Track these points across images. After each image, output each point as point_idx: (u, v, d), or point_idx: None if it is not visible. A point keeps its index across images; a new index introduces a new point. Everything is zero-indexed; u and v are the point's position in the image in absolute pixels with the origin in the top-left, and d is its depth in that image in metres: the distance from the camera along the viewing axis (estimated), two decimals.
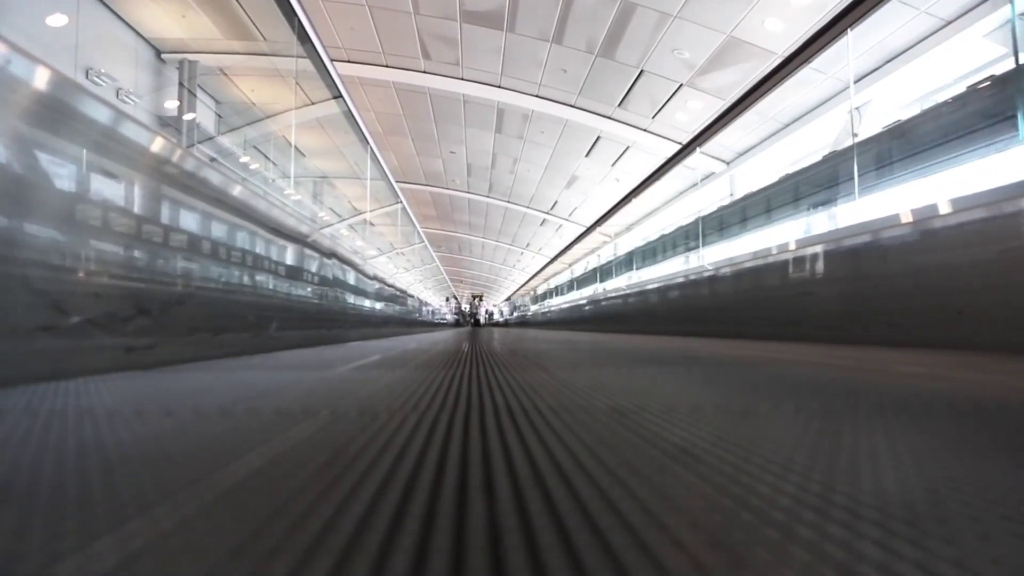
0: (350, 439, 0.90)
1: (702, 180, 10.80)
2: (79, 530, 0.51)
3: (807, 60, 5.83)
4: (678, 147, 9.15)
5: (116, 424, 1.00)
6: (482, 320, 36.47)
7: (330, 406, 1.26)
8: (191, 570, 0.44)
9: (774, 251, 4.55)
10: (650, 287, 8.57)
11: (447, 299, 35.63)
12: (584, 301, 13.44)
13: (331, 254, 5.03)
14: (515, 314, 30.23)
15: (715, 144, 8.80)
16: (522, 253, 22.12)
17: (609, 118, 9.45)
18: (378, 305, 7.74)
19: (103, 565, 0.44)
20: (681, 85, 7.90)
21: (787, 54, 5.98)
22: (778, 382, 1.76)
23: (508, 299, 35.14)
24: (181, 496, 0.60)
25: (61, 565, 0.44)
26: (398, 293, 10.45)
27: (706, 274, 6.52)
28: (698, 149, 8.66)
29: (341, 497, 0.60)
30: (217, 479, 0.68)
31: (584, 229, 14.66)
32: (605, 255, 14.97)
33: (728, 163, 9.53)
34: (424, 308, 18.26)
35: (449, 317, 30.72)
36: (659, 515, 0.54)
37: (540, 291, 22.70)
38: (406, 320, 10.84)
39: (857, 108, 7.25)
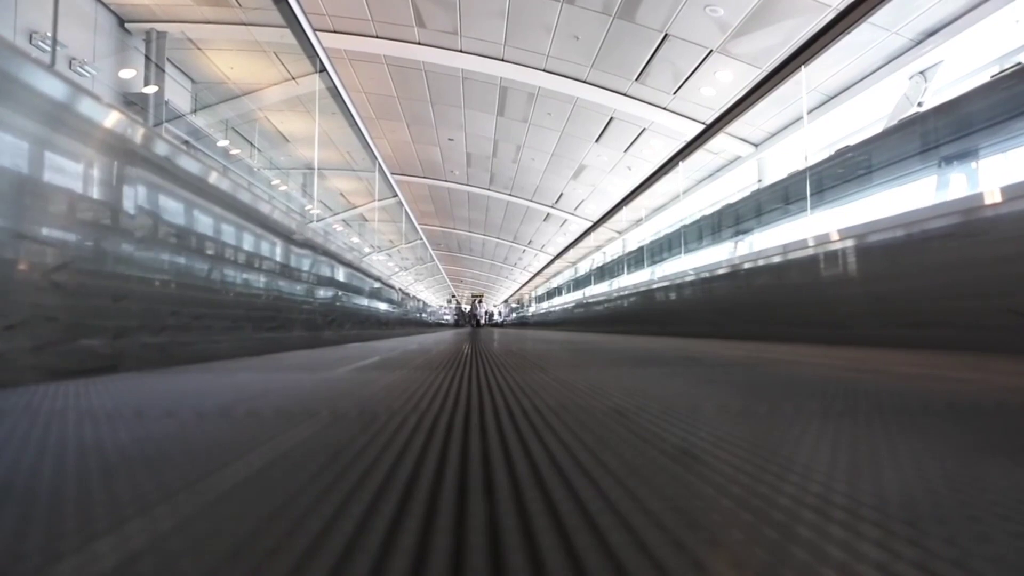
0: (350, 439, 0.90)
1: (728, 165, 9.65)
2: (79, 530, 0.52)
3: (870, 11, 4.58)
4: (702, 127, 8.01)
5: (116, 425, 1.01)
6: (482, 321, 35.71)
7: (330, 407, 1.27)
8: (191, 570, 0.44)
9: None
10: (658, 286, 7.97)
11: (448, 300, 34.92)
12: (588, 301, 13.07)
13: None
14: (515, 315, 29.46)
15: (743, 123, 7.71)
16: (524, 251, 21.14)
17: (624, 95, 8.39)
18: (330, 293, 5.23)
19: (103, 565, 0.45)
20: (711, 51, 6.83)
21: (844, 5, 4.82)
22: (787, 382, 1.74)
23: (509, 299, 34.26)
24: (181, 497, 0.61)
25: (61, 565, 0.45)
26: (379, 284, 8.30)
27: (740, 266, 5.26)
28: (724, 129, 7.48)
29: (341, 497, 0.61)
30: (217, 480, 0.68)
31: (591, 224, 13.59)
32: (612, 252, 14.02)
33: (757, 145, 8.40)
34: (426, 308, 17.11)
35: (449, 318, 30.33)
36: (659, 515, 0.55)
37: (542, 291, 21.84)
38: (390, 321, 8.96)
39: (922, 72, 6.05)
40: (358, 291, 6.45)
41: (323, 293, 4.84)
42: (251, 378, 1.96)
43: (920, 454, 0.80)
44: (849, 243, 3.75)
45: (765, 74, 6.61)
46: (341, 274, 5.54)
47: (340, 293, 5.47)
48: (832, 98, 7.26)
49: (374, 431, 0.97)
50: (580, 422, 1.05)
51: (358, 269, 6.60)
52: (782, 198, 5.95)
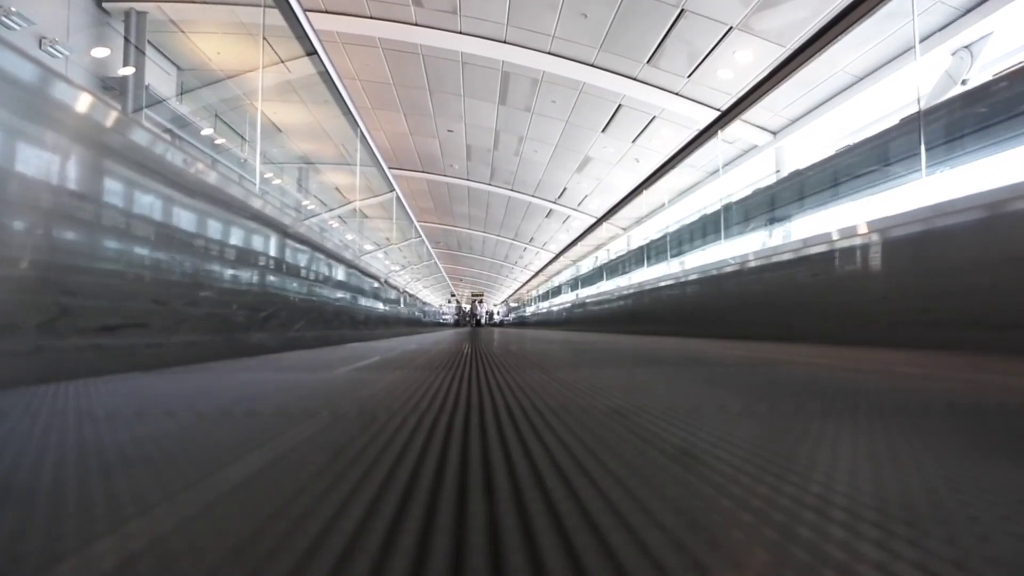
0: (350, 440, 0.91)
1: (740, 157, 9.06)
2: (79, 531, 0.52)
3: None
4: (717, 114, 7.42)
5: (116, 425, 1.02)
6: (482, 320, 35.50)
7: (330, 407, 1.29)
8: (191, 571, 0.45)
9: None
10: (665, 284, 7.52)
11: (448, 299, 34.76)
12: (590, 300, 12.77)
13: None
14: (516, 314, 29.14)
15: (762, 109, 7.13)
16: (525, 249, 20.63)
17: (634, 79, 7.85)
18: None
19: (103, 566, 0.45)
20: (731, 28, 6.26)
21: None
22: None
23: (509, 298, 33.86)
24: (181, 497, 0.62)
25: (61, 566, 0.45)
26: (361, 274, 6.71)
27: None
28: (741, 116, 6.89)
29: (341, 498, 0.61)
30: (217, 480, 0.69)
31: (595, 220, 13.03)
32: (615, 250, 13.51)
33: (775, 134, 7.81)
34: (424, 307, 16.44)
35: (449, 317, 30.00)
36: (658, 515, 0.55)
37: (543, 290, 21.30)
38: (371, 320, 7.22)
39: (967, 46, 5.45)
40: (319, 280, 4.75)
41: (249, 276, 3.28)
42: (251, 378, 1.98)
43: (920, 454, 0.81)
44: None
45: (790, 52, 6.01)
46: (285, 251, 3.88)
47: (284, 279, 3.87)
48: (860, 79, 6.67)
49: (374, 431, 0.98)
50: (580, 422, 1.07)
51: (319, 248, 4.74)
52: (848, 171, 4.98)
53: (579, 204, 14.72)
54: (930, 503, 0.58)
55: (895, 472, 0.71)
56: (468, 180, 14.81)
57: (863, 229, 3.67)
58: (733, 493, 0.61)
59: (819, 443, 0.87)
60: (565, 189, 13.94)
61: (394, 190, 11.79)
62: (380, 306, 7.99)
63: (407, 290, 12.33)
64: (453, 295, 38.25)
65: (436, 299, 31.97)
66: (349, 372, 2.23)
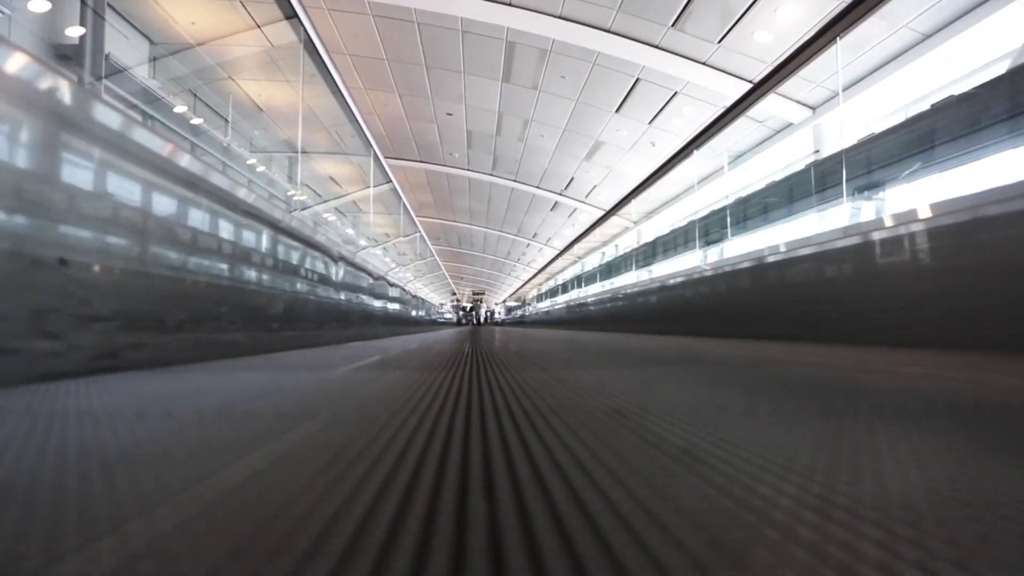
0: (351, 440, 0.90)
1: (770, 139, 8.03)
2: (80, 531, 0.52)
3: None
4: (748, 87, 6.41)
5: (117, 425, 1.01)
6: (483, 319, 34.86)
7: (330, 407, 1.30)
8: (191, 571, 0.44)
9: None
10: (674, 282, 6.85)
11: (449, 298, 34.31)
12: (594, 299, 12.18)
13: None
14: (517, 313, 28.41)
15: (802, 80, 6.08)
16: (527, 245, 19.70)
17: (656, 47, 6.89)
18: None
19: (103, 566, 0.45)
20: None
21: None
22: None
23: (510, 297, 33.08)
24: (181, 497, 0.62)
25: (61, 565, 0.45)
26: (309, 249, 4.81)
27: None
28: (776, 89, 5.90)
29: (342, 498, 0.61)
30: (217, 480, 0.69)
31: (603, 213, 12.04)
32: (624, 245, 12.60)
33: (814, 109, 6.75)
34: (422, 304, 15.47)
35: (451, 316, 29.75)
36: (659, 515, 0.55)
37: (545, 289, 20.40)
38: (325, 317, 5.23)
39: None
40: (212, 247, 2.96)
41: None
42: (251, 378, 2.01)
43: (922, 454, 0.82)
44: None
45: (846, 4, 4.95)
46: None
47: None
48: (928, 37, 5.63)
49: (375, 432, 0.98)
50: (581, 422, 1.06)
51: (188, 182, 2.75)
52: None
53: (587, 196, 13.80)
54: (931, 503, 0.59)
55: (895, 471, 0.71)
56: (469, 170, 13.90)
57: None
58: (734, 493, 0.62)
59: (812, 438, 0.88)
60: (572, 179, 13.01)
61: (381, 180, 10.80)
62: (341, 296, 5.89)
63: (392, 280, 11.04)
64: (454, 294, 37.48)
65: (437, 297, 31.18)
66: (350, 372, 2.15)
